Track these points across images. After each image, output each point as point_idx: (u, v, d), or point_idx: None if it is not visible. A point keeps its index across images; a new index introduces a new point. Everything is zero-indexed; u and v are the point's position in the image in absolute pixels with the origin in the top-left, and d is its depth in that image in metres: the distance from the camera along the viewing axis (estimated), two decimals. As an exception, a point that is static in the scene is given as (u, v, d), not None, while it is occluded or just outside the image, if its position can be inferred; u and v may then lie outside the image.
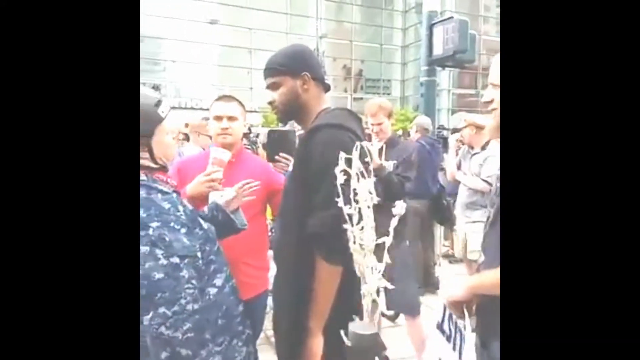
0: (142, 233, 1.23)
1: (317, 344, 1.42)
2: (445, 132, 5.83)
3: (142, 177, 1.32)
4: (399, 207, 2.37)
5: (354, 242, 0.89)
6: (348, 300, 1.39)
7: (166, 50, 22.17)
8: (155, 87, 21.17)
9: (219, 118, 2.01)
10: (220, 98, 2.15)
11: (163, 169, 1.42)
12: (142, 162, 1.36)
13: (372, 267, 0.85)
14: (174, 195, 1.34)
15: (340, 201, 1.06)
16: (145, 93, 1.47)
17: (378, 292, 0.85)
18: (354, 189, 0.91)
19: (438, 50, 5.41)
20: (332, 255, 1.37)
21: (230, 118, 2.04)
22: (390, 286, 0.86)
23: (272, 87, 1.57)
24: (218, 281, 1.43)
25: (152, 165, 1.38)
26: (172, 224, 1.26)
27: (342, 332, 0.90)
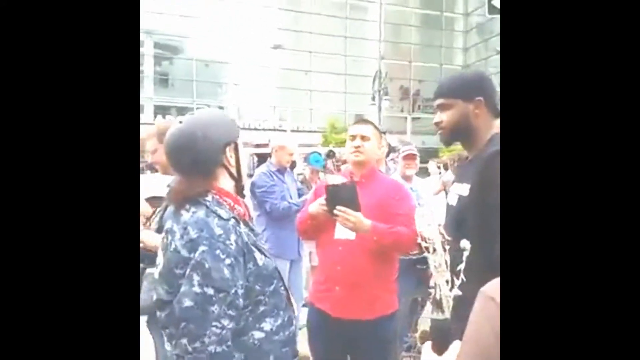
0: (190, 255, 1.17)
1: None
2: None
3: (208, 197, 1.27)
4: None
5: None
6: None
7: (230, 74, 23.13)
8: (219, 109, 22.09)
9: (353, 137, 2.03)
10: (357, 121, 2.17)
11: (239, 190, 1.38)
12: (220, 180, 1.33)
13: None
14: (231, 222, 1.26)
15: None
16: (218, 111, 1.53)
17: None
18: None
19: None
20: None
21: (363, 137, 2.04)
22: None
23: (442, 108, 1.58)
24: (266, 325, 1.28)
25: (233, 182, 1.35)
26: (217, 251, 1.18)
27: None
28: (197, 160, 1.27)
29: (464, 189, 1.54)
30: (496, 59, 22.07)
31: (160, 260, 1.24)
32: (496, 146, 1.45)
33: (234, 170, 1.35)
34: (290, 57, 23.50)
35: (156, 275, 1.24)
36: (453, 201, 1.59)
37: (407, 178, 3.55)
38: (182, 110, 20.94)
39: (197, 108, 20.71)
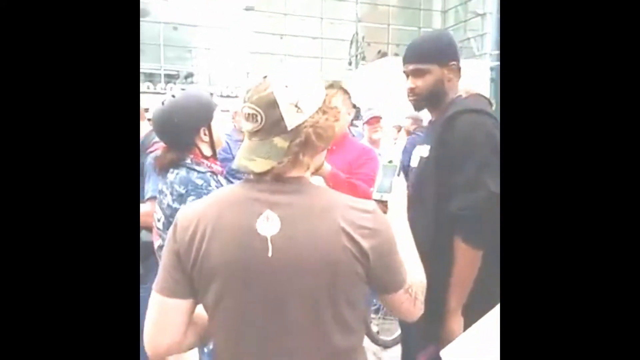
0: (181, 206, 1.45)
1: (457, 323, 1.44)
2: None
3: (187, 160, 1.57)
4: None
5: None
6: (490, 282, 1.42)
7: (200, 38, 22.19)
8: (189, 75, 21.26)
9: None
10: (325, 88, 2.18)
11: (212, 156, 1.64)
12: (200, 146, 1.58)
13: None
14: (208, 174, 1.56)
15: (493, 184, 1.29)
16: (197, 89, 1.82)
17: None
18: None
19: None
20: (473, 238, 1.38)
21: None
22: None
23: (416, 73, 1.52)
24: None
25: (205, 152, 1.59)
26: (203, 196, 1.44)
27: None
28: (174, 139, 1.55)
29: (425, 150, 1.58)
30: (475, 21, 21.63)
31: (160, 214, 1.56)
32: (456, 108, 1.50)
33: (206, 147, 1.62)
34: (264, 19, 22.57)
35: (160, 226, 1.55)
36: (415, 162, 1.65)
37: (374, 142, 3.42)
38: (149, 77, 19.99)
39: (164, 74, 19.89)
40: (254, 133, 0.99)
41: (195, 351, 2.12)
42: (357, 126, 4.79)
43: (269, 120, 0.96)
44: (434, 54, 1.50)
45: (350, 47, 18.62)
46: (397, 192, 1.25)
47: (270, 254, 0.94)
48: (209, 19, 21.45)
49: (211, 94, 1.76)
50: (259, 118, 0.96)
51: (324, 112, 1.01)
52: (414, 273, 1.10)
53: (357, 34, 18.08)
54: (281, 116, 0.95)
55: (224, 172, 1.68)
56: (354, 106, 4.39)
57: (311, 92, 0.99)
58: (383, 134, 3.80)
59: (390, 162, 1.28)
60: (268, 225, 0.94)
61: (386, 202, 1.24)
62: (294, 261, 0.94)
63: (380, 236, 1.00)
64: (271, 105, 0.95)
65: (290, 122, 0.96)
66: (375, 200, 1.26)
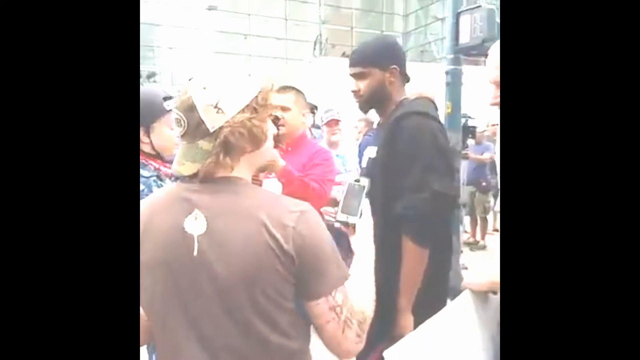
0: None
1: (408, 321, 1.49)
2: (470, 121, 5.62)
3: None
4: None
5: None
6: (438, 280, 1.53)
7: (162, 37, 21.68)
8: (151, 75, 20.70)
9: None
10: (277, 89, 2.14)
11: (158, 156, 1.60)
12: (142, 147, 1.53)
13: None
14: (152, 179, 1.52)
15: (438, 184, 1.36)
16: (151, 88, 1.67)
17: None
18: None
19: (465, 39, 5.01)
20: (421, 237, 1.44)
21: (283, 109, 2.04)
22: None
23: (358, 76, 1.59)
24: None
25: (150, 152, 1.56)
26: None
27: None
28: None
29: (373, 151, 1.62)
30: (435, 25, 22.09)
31: None
32: (402, 110, 1.54)
33: (148, 147, 1.57)
34: (228, 19, 22.28)
35: None
36: (364, 164, 1.70)
37: (332, 144, 3.47)
38: (108, 76, 19.35)
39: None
40: (182, 137, 1.00)
41: (144, 353, 2.06)
42: (319, 127, 4.81)
43: (191, 124, 0.95)
44: (374, 57, 1.55)
45: (314, 49, 18.67)
46: (366, 218, 1.19)
47: (195, 253, 0.94)
48: (172, 18, 20.99)
49: (169, 97, 1.60)
50: (182, 122, 0.96)
51: (254, 111, 0.99)
52: (359, 302, 1.03)
53: (320, 35, 18.15)
54: (201, 119, 0.95)
55: (173, 175, 1.65)
56: (314, 108, 4.40)
57: (234, 92, 0.97)
58: (342, 136, 3.83)
59: (357, 181, 1.18)
60: (196, 224, 0.95)
61: (352, 225, 1.18)
62: (218, 259, 0.94)
63: (304, 236, 0.96)
64: (190, 108, 0.95)
65: (211, 124, 0.95)
66: (340, 221, 1.19)
